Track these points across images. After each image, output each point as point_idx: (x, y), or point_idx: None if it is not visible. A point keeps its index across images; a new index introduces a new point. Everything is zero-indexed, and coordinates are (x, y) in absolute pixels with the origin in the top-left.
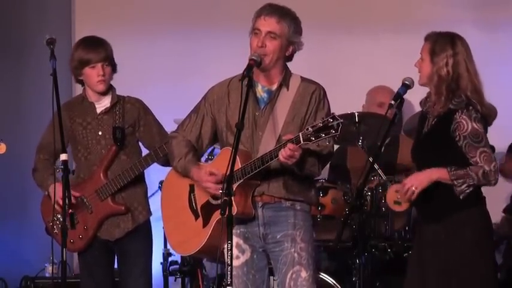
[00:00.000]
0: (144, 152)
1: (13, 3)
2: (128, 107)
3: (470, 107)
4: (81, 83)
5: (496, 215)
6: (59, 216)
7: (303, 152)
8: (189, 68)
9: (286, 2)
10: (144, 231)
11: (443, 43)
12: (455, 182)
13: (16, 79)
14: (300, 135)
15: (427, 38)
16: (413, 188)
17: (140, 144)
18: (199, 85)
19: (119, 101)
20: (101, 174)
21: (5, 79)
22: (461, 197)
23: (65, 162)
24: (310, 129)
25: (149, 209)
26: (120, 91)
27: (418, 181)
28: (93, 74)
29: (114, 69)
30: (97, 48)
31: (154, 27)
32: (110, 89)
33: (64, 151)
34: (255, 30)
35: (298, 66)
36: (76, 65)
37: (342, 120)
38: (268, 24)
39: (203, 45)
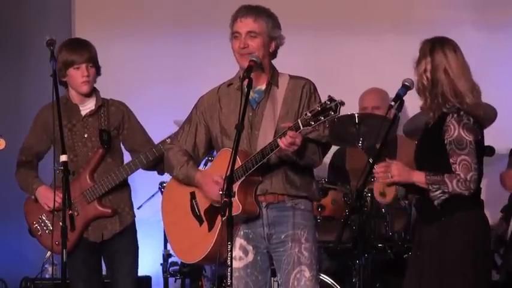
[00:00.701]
0: (126, 154)
1: (13, 4)
2: (112, 109)
3: (462, 112)
4: (65, 85)
5: (495, 215)
6: (44, 218)
7: (303, 140)
8: (188, 69)
9: (287, 3)
10: (130, 232)
11: (424, 50)
12: (430, 187)
13: (16, 79)
14: (299, 121)
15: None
16: (392, 178)
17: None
18: (199, 87)
19: (103, 104)
20: (87, 177)
21: (5, 79)
22: (435, 203)
23: (64, 163)
24: (308, 114)
25: (133, 210)
26: (120, 92)
27: (399, 176)
28: (78, 75)
29: (98, 71)
30: (81, 49)
31: (154, 29)
32: (93, 92)
33: (64, 152)
34: (235, 34)
35: (298, 66)
36: (60, 66)
37: (339, 101)
38: (245, 24)
39: (203, 47)
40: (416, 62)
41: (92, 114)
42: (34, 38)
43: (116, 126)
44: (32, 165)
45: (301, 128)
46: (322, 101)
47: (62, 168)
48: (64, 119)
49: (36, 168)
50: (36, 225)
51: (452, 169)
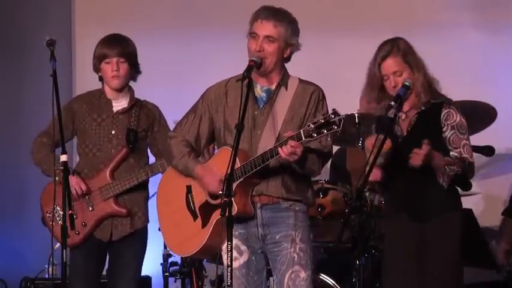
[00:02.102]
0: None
1: (13, 4)
2: (144, 111)
3: (453, 101)
4: (102, 80)
5: (494, 215)
6: (59, 208)
7: (304, 150)
8: (189, 70)
9: (288, 4)
10: (141, 237)
11: (410, 49)
12: (447, 168)
13: (16, 80)
14: (302, 131)
15: (392, 53)
16: (421, 159)
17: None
18: (200, 87)
19: (136, 104)
20: (108, 174)
21: (6, 79)
22: (445, 185)
23: (64, 163)
24: (311, 125)
25: (148, 215)
26: None
27: (426, 157)
28: (108, 69)
29: (134, 68)
30: (114, 43)
31: (154, 29)
32: (128, 89)
33: (64, 152)
34: (253, 34)
35: (298, 67)
36: (95, 61)
37: (343, 116)
38: (265, 28)
39: (203, 48)
40: (415, 62)
41: (123, 112)
42: (34, 39)
43: (144, 128)
44: (52, 149)
45: (303, 139)
46: (328, 113)
47: (62, 168)
48: (94, 112)
49: (54, 152)
50: (50, 215)
51: (454, 153)
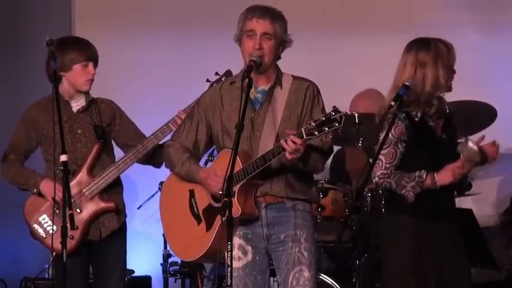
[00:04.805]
0: (117, 150)
1: (14, 4)
2: (102, 106)
3: None
4: (53, 79)
5: (495, 217)
6: (47, 218)
7: (306, 148)
8: (188, 69)
9: (289, 4)
10: (123, 232)
11: None
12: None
13: (17, 80)
14: (303, 130)
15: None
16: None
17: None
18: (198, 87)
19: (92, 101)
20: (86, 173)
21: (6, 79)
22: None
23: (64, 163)
24: (312, 123)
25: (125, 210)
26: (119, 92)
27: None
28: (84, 72)
29: None
30: (91, 48)
31: (154, 29)
32: None
33: (64, 152)
34: (249, 32)
35: (298, 67)
36: (66, 61)
37: (344, 113)
38: (262, 25)
39: (202, 48)
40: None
41: (83, 110)
42: (34, 39)
43: (107, 123)
44: (21, 163)
45: (305, 137)
46: (327, 111)
47: (62, 168)
48: (55, 115)
49: (24, 166)
50: (38, 226)
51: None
